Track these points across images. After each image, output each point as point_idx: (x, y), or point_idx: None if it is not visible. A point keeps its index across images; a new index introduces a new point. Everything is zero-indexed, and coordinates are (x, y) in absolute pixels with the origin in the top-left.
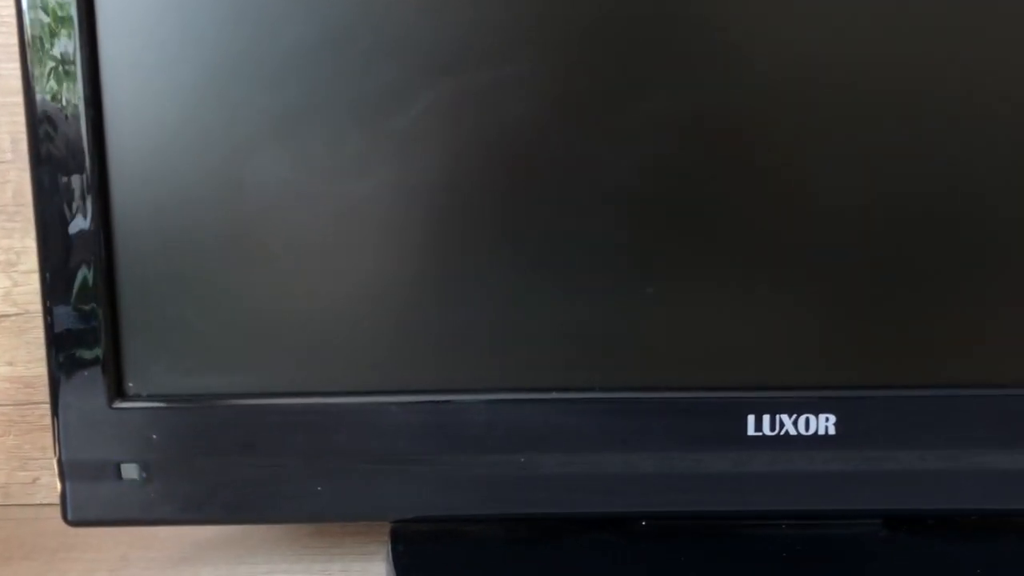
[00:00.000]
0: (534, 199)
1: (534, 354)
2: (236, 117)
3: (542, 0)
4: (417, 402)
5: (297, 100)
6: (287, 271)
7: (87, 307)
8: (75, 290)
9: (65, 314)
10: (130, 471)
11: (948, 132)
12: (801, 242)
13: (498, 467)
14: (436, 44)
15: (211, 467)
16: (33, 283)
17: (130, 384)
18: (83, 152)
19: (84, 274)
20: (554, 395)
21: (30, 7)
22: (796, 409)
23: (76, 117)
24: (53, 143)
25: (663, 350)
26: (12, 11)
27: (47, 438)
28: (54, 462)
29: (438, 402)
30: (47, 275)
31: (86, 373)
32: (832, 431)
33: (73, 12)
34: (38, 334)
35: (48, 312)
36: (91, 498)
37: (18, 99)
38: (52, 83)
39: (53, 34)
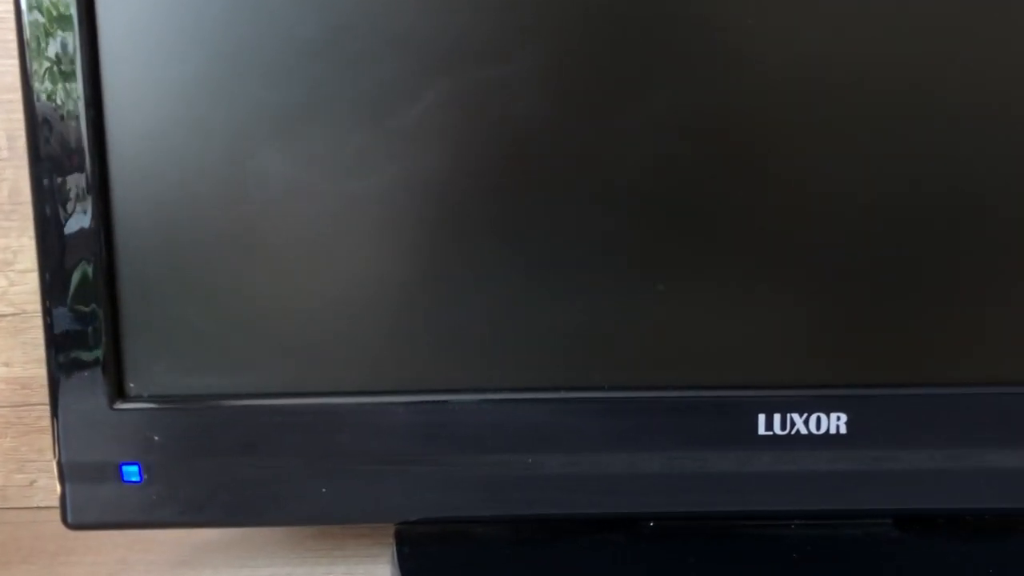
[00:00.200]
0: (537, 197)
1: (540, 353)
2: (237, 114)
3: None
4: (421, 402)
5: (298, 98)
6: (289, 270)
7: (87, 307)
8: (75, 290)
9: (65, 314)
10: (131, 473)
11: (949, 132)
12: (809, 241)
13: (504, 467)
14: (438, 42)
15: (213, 468)
16: (30, 283)
17: (131, 385)
18: (83, 149)
19: (84, 273)
20: (561, 394)
21: (28, 4)
22: (807, 408)
23: (76, 114)
24: (53, 140)
25: (671, 349)
26: (8, 6)
27: (44, 440)
28: (51, 464)
29: (442, 402)
30: (47, 275)
31: (86, 374)
32: (843, 430)
33: (73, 9)
34: (35, 334)
35: (48, 312)
36: (91, 501)
37: (14, 96)
38: (52, 80)
39: (53, 30)
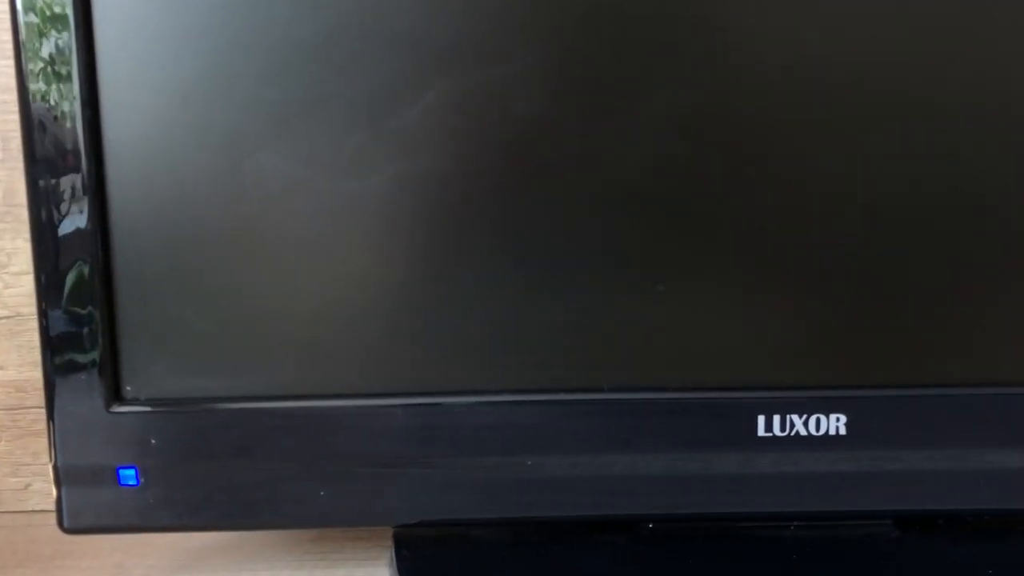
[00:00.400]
0: (537, 198)
1: (539, 354)
2: (235, 114)
3: None
4: (419, 404)
5: (296, 97)
6: (286, 271)
7: (83, 309)
8: (71, 292)
9: (61, 316)
10: (128, 476)
11: (949, 132)
12: (808, 241)
13: (503, 470)
14: (437, 41)
15: (210, 472)
16: (24, 285)
17: (128, 388)
18: (79, 150)
19: (80, 275)
20: (560, 396)
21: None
22: (807, 409)
23: (72, 115)
24: (48, 141)
25: (670, 350)
26: (3, 6)
27: (39, 443)
28: (47, 468)
29: (440, 404)
30: (43, 277)
31: (82, 376)
32: (843, 431)
33: (68, 9)
34: (30, 337)
35: (43, 314)
36: (87, 505)
37: (7, 97)
38: (48, 80)
39: (48, 31)
